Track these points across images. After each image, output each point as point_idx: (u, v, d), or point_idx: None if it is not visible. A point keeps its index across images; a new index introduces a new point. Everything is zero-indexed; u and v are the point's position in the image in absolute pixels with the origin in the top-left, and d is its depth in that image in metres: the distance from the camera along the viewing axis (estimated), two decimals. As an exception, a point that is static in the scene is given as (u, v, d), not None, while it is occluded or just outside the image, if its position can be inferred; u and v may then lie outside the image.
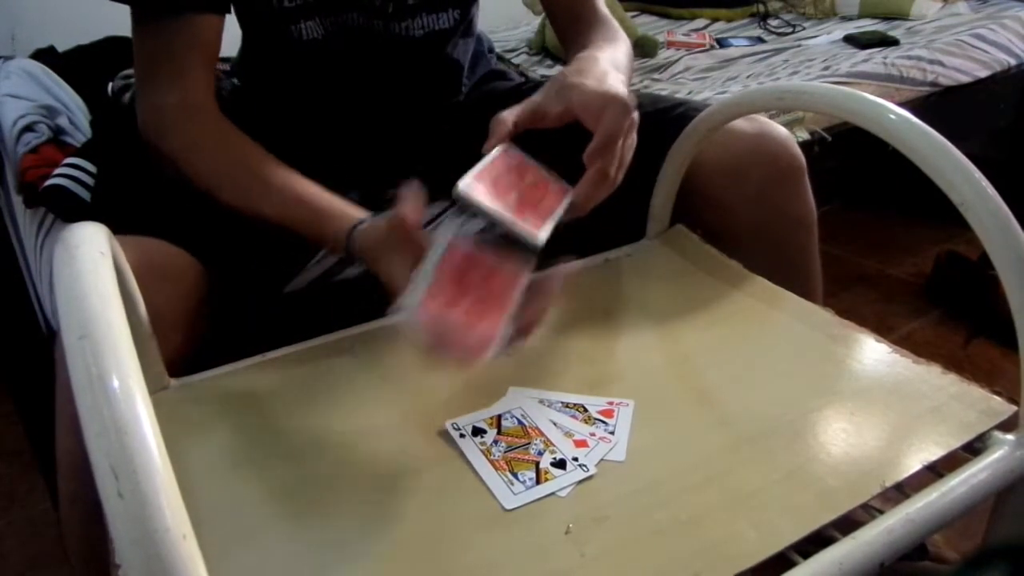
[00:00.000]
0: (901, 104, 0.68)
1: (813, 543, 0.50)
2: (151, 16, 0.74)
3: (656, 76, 1.56)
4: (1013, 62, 1.66)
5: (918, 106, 1.49)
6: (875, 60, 1.49)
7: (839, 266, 1.75)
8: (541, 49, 1.75)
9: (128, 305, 0.41)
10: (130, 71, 1.13)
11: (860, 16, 1.90)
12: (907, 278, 1.71)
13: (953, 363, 0.70)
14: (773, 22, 1.91)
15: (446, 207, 0.90)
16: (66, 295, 0.38)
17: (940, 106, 1.54)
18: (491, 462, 0.57)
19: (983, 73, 1.61)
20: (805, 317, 0.74)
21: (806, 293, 0.78)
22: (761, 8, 1.97)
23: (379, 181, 0.83)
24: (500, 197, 0.61)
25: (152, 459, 0.31)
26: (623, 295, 0.81)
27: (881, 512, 0.52)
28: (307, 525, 0.53)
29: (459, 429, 0.60)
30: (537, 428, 0.61)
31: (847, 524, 0.51)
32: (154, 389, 0.65)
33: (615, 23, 0.87)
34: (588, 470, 0.56)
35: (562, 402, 0.64)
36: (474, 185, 0.59)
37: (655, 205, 0.86)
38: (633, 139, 0.66)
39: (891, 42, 1.61)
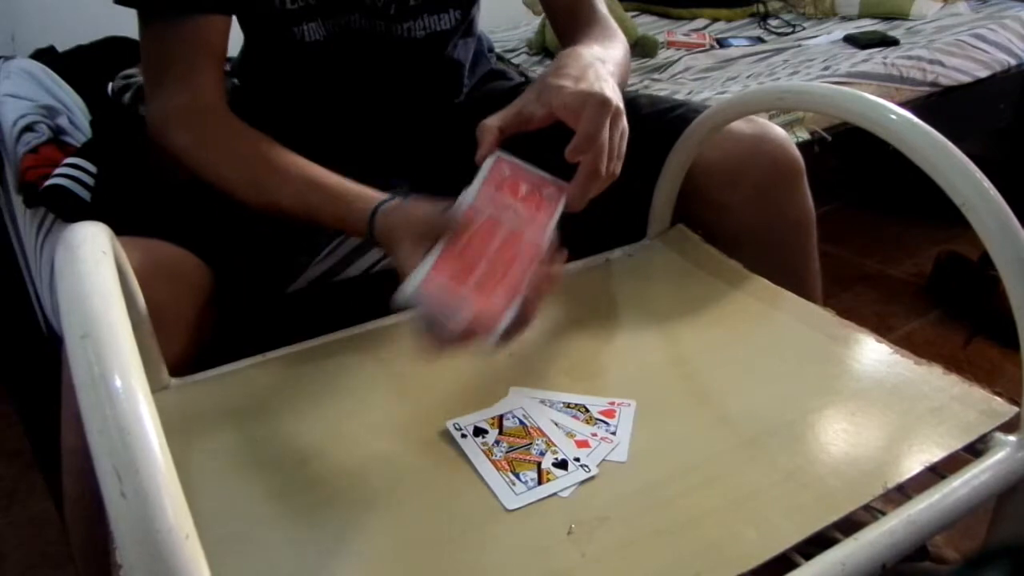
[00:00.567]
0: (901, 104, 0.68)
1: (815, 544, 0.50)
2: (158, 19, 0.74)
3: (656, 76, 1.56)
4: (1013, 62, 1.66)
5: (918, 106, 1.49)
6: (875, 60, 1.49)
7: (839, 266, 1.75)
8: (541, 49, 1.75)
9: (129, 304, 0.41)
10: (130, 71, 1.13)
11: (860, 16, 1.90)
12: (907, 278, 1.71)
13: (953, 363, 0.70)
14: (773, 22, 1.91)
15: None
16: (68, 295, 0.38)
17: (940, 106, 1.54)
18: (493, 462, 0.57)
19: (983, 73, 1.61)
20: (806, 317, 0.74)
21: (806, 294, 0.78)
22: (761, 8, 1.97)
23: (380, 181, 0.83)
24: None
25: (154, 459, 0.31)
26: (624, 295, 0.81)
27: (883, 513, 0.52)
28: (308, 525, 0.53)
29: (460, 429, 0.60)
30: (539, 428, 0.61)
31: (849, 525, 0.51)
32: (155, 388, 0.65)
33: (614, 23, 0.87)
34: (590, 470, 0.56)
35: (563, 402, 0.64)
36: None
37: (655, 205, 0.86)
38: (623, 128, 0.66)
39: (891, 42, 1.62)
